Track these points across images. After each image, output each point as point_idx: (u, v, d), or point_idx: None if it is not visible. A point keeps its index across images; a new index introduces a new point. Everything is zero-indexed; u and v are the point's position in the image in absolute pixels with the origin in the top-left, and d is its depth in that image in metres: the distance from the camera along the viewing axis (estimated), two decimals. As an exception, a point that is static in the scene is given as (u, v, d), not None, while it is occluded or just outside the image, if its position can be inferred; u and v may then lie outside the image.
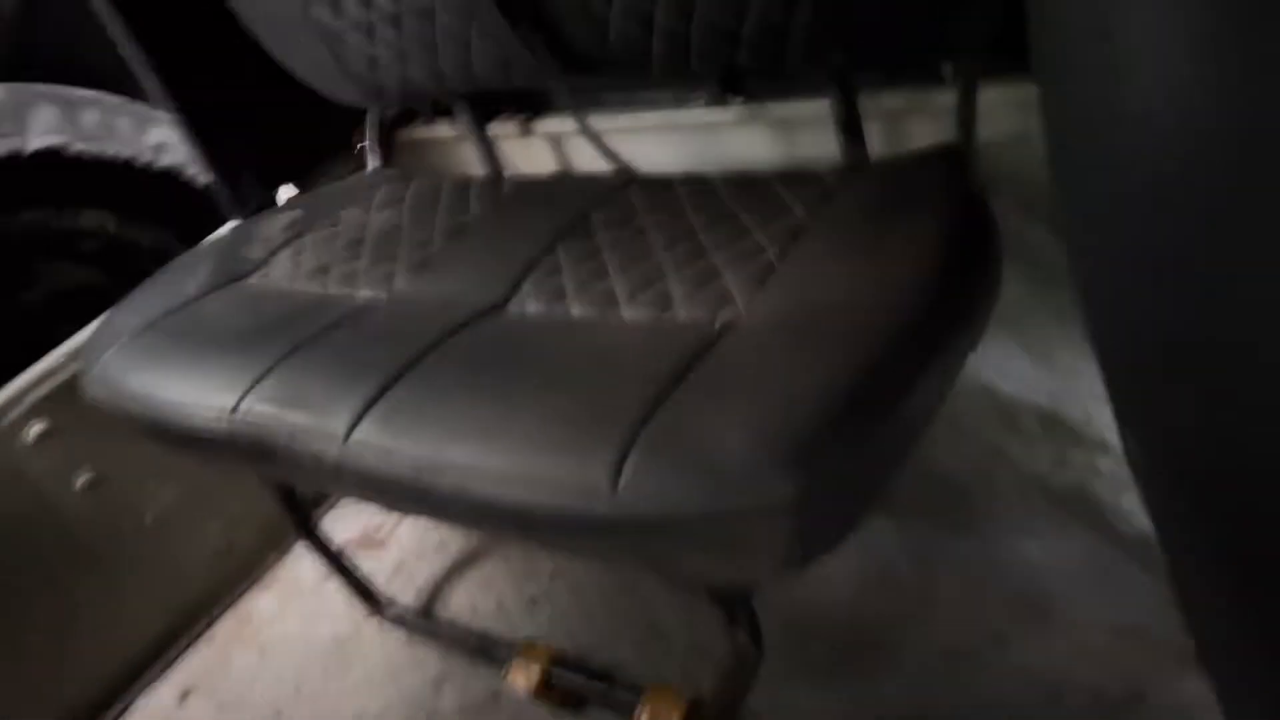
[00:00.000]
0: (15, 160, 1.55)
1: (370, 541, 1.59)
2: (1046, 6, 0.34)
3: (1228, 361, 0.35)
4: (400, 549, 1.57)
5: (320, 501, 1.66)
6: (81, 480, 1.40)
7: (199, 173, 1.54)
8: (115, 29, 1.32)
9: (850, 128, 1.11)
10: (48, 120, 1.57)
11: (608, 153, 1.27)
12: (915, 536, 1.20)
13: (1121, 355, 0.40)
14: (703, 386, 0.75)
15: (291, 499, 1.36)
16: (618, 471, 0.72)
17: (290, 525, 1.41)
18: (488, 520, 0.82)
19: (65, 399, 1.37)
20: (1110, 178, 0.35)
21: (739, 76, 1.31)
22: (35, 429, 1.35)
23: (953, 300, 0.78)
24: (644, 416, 0.74)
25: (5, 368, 1.48)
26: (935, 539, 1.21)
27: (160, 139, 1.69)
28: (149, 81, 1.37)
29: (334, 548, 1.45)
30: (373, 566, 1.52)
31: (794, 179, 1.06)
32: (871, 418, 0.69)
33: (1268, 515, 0.37)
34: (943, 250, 0.81)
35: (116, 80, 1.69)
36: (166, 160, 1.70)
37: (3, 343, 1.66)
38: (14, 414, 1.34)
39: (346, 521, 1.64)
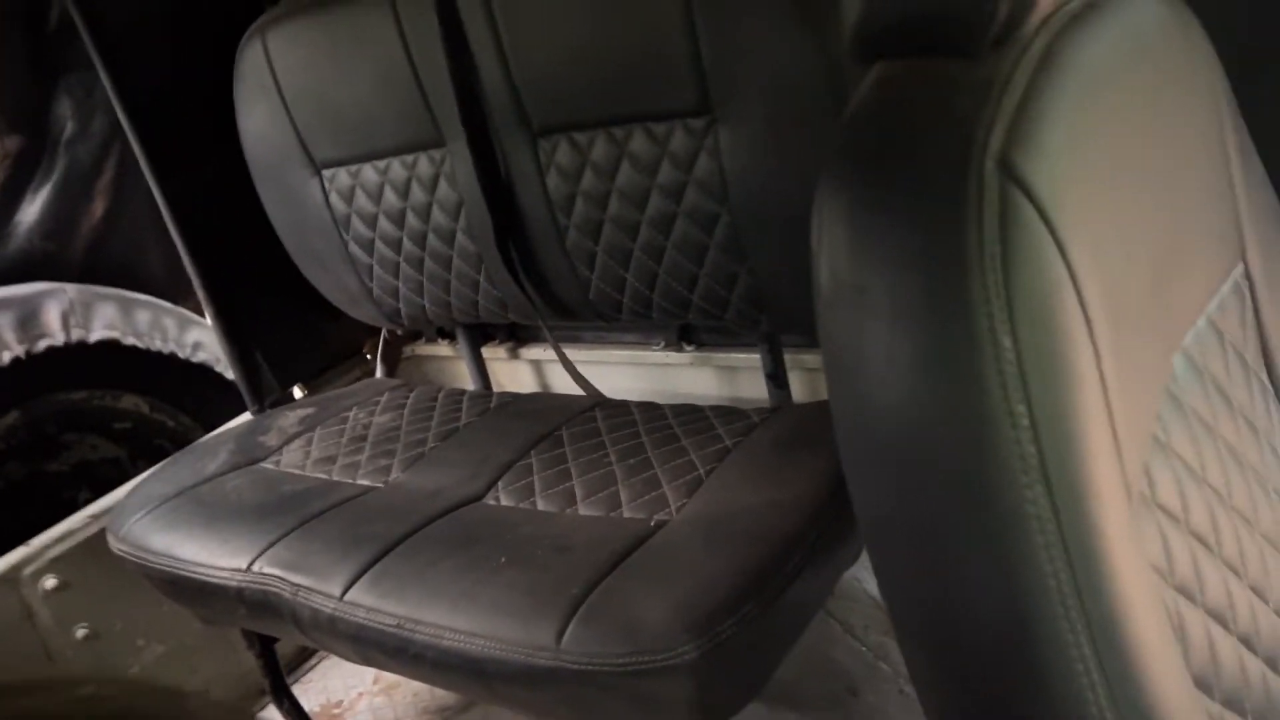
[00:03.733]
0: (80, 348, 1.79)
1: (330, 715, 1.71)
2: (820, 323, 0.58)
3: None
4: (358, 724, 1.69)
5: (292, 670, 1.78)
6: (81, 633, 1.54)
7: (227, 369, 1.78)
8: (179, 247, 1.59)
9: (776, 377, 1.37)
10: (109, 316, 1.83)
11: (581, 380, 1.52)
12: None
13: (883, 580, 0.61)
14: (634, 570, 0.96)
15: (272, 661, 1.51)
16: (561, 633, 0.91)
17: (265, 688, 1.54)
18: (454, 672, 1.00)
19: (78, 558, 1.54)
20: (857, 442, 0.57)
21: (692, 329, 1.59)
22: (49, 582, 1.50)
23: (832, 519, 1.00)
24: (586, 592, 0.94)
25: (27, 526, 1.65)
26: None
27: (197, 338, 1.95)
28: (199, 292, 1.63)
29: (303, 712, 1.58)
30: (331, 738, 1.63)
31: (727, 413, 1.30)
32: (760, 601, 0.89)
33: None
34: (829, 479, 1.04)
35: (166, 288, 1.97)
36: (200, 356, 1.95)
37: (27, 503, 1.84)
38: (34, 566, 1.50)
39: (312, 694, 1.76)
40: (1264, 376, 0.76)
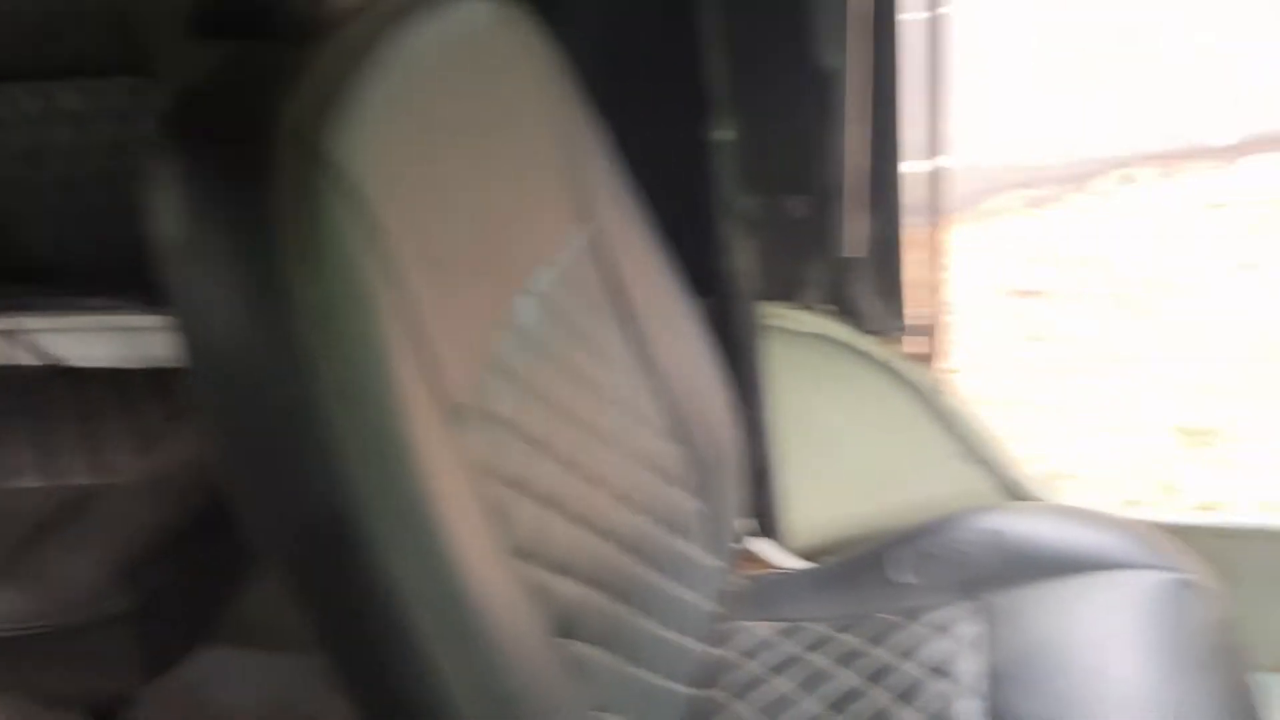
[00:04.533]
0: None
1: None
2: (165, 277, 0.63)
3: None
4: None
5: None
6: None
7: None
8: None
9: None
10: None
11: (35, 350, 1.43)
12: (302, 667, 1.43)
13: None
14: (69, 532, 0.96)
15: None
16: (-10, 606, 0.89)
17: None
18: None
19: None
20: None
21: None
22: None
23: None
24: (11, 559, 0.92)
25: None
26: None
27: None
28: None
29: None
30: None
31: (196, 374, 1.30)
32: (193, 548, 0.94)
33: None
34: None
35: None
36: None
37: None
38: None
39: None
40: (619, 312, 0.94)
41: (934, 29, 1.11)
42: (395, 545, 0.60)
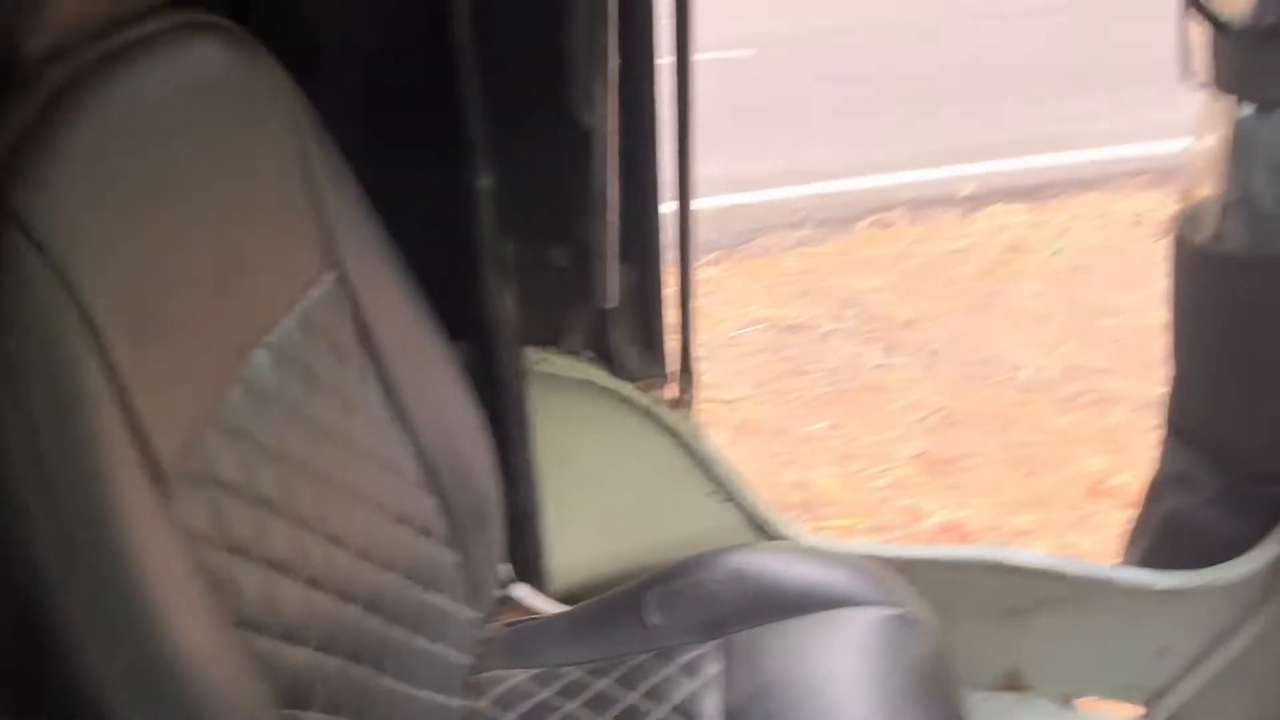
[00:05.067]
0: None
1: None
2: None
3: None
4: None
5: None
6: None
7: None
8: None
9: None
10: None
11: None
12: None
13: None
14: None
15: None
16: None
17: None
18: None
19: None
20: None
21: None
22: None
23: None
24: None
25: None
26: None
27: None
28: None
29: None
30: None
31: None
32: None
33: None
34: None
35: None
36: None
37: None
38: None
39: None
40: (364, 359, 0.91)
41: (683, 77, 1.16)
42: (97, 631, 0.56)
